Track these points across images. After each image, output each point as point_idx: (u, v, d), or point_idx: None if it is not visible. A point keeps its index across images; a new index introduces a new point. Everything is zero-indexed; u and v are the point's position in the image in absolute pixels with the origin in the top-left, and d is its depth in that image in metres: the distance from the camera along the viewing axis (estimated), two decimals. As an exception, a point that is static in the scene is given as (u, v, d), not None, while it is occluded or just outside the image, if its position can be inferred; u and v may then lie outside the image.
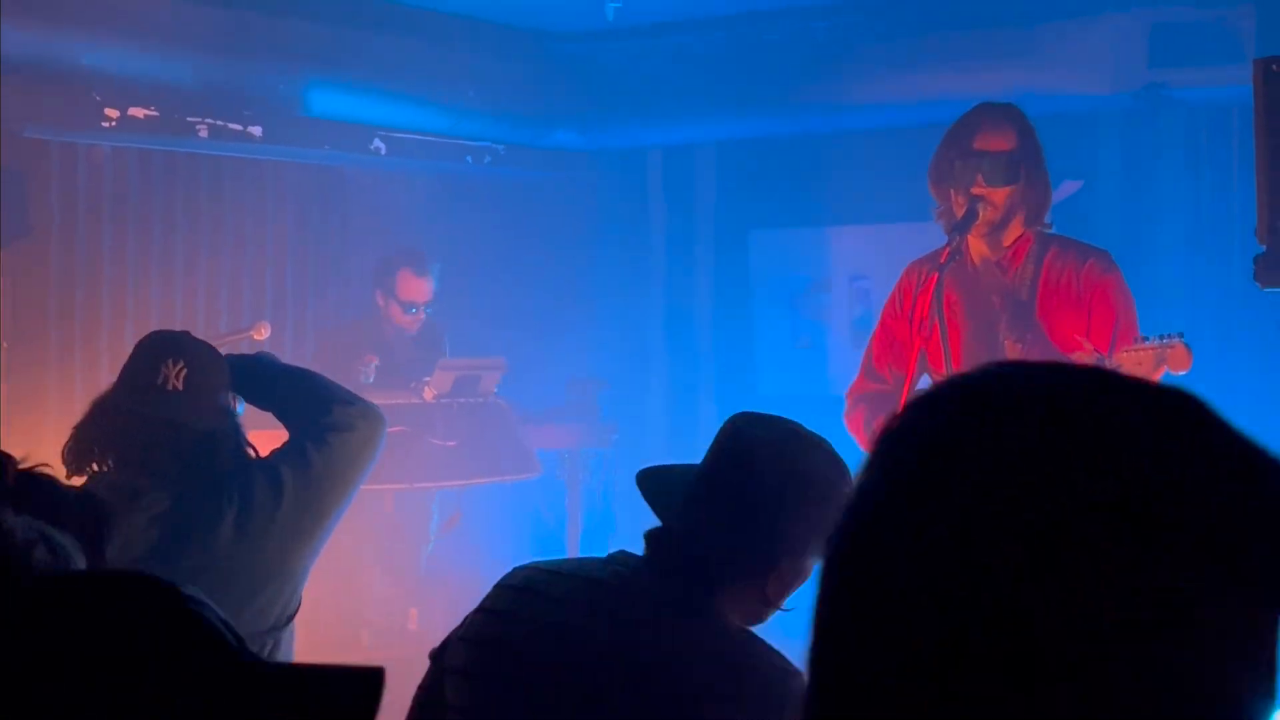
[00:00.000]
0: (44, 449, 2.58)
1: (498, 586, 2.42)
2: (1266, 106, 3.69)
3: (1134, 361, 3.66)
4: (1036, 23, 5.72)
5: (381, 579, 6.42)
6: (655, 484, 2.42)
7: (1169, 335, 3.68)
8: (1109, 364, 3.67)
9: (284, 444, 3.32)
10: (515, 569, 2.45)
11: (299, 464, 3.23)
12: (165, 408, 3.15)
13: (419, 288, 6.50)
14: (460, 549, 6.50)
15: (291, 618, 3.28)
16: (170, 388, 3.16)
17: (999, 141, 4.02)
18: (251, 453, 3.30)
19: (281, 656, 3.26)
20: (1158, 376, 3.66)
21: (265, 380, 3.42)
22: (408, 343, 6.59)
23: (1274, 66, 3.69)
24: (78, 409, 3.17)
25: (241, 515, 3.14)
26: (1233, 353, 5.82)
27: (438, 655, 2.46)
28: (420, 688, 2.48)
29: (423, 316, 6.57)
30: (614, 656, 2.23)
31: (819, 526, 2.26)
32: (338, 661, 1.09)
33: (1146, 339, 3.70)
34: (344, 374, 6.07)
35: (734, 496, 2.31)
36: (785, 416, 2.41)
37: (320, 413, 3.32)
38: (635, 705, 2.19)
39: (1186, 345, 3.64)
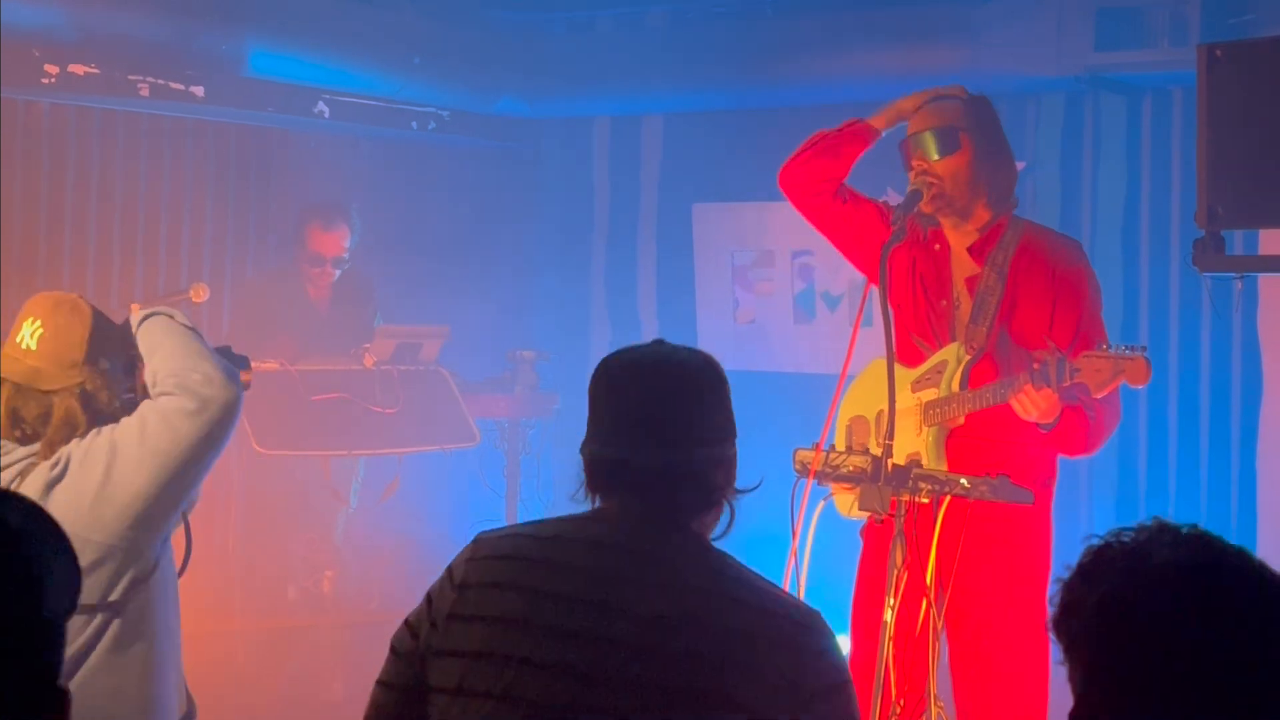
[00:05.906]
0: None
1: (478, 559, 2.28)
2: (1209, 91, 3.71)
3: (1093, 369, 3.64)
4: (982, 2, 5.74)
5: (305, 541, 6.38)
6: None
7: (1132, 347, 3.64)
8: (1068, 366, 3.67)
9: (136, 411, 3.16)
10: (481, 539, 2.33)
11: (138, 435, 3.09)
12: (15, 368, 3.14)
13: (326, 242, 6.41)
14: (395, 517, 6.47)
15: (129, 598, 3.08)
16: (24, 348, 3.14)
17: (936, 118, 4.04)
18: (112, 419, 3.15)
19: (122, 636, 3.08)
20: (1114, 386, 3.66)
21: (146, 341, 3.24)
22: (325, 302, 6.52)
23: (1217, 52, 3.71)
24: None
25: (70, 481, 3.05)
26: (1170, 336, 5.87)
27: (413, 643, 2.27)
28: (385, 684, 2.28)
29: (333, 273, 6.47)
30: (639, 606, 2.18)
31: (729, 403, 2.39)
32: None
33: (1111, 347, 3.67)
34: (258, 330, 6.03)
35: (676, 403, 2.32)
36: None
37: (174, 387, 3.14)
38: (685, 649, 2.14)
39: (1148, 360, 3.62)
